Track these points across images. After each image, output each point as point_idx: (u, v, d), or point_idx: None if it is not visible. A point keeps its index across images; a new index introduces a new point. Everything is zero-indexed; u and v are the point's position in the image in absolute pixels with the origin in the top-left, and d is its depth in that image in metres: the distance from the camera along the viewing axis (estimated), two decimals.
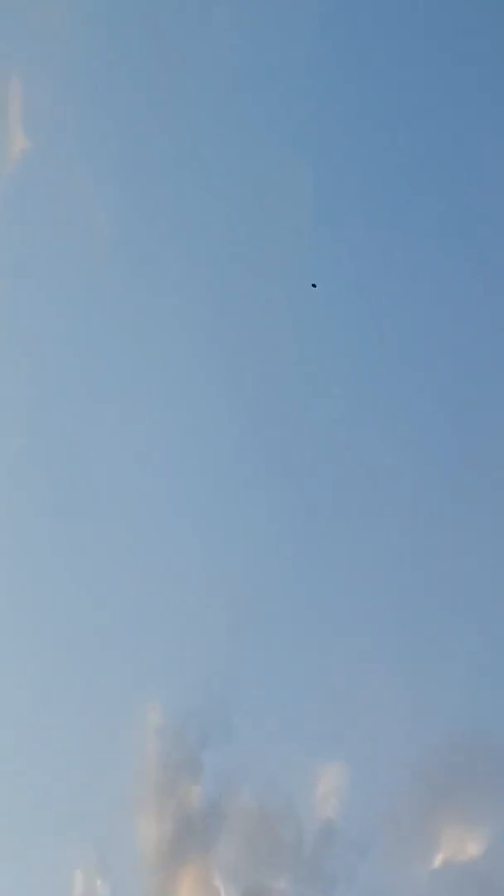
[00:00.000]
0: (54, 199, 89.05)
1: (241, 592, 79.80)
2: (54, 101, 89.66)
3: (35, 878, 75.38)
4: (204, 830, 78.00)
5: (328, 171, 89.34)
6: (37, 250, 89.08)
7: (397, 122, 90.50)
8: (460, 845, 76.53)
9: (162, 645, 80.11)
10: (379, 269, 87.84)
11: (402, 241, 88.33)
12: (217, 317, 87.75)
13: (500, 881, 73.38)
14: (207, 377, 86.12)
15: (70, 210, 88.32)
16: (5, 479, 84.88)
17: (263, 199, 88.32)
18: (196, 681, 78.95)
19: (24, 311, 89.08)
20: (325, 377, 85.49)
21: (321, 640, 78.48)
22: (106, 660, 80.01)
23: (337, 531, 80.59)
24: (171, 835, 77.96)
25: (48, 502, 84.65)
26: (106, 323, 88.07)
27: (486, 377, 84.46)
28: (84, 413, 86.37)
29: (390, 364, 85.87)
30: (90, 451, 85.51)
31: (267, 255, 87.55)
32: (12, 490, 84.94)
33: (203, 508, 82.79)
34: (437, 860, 76.11)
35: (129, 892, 76.67)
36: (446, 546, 78.95)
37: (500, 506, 79.94)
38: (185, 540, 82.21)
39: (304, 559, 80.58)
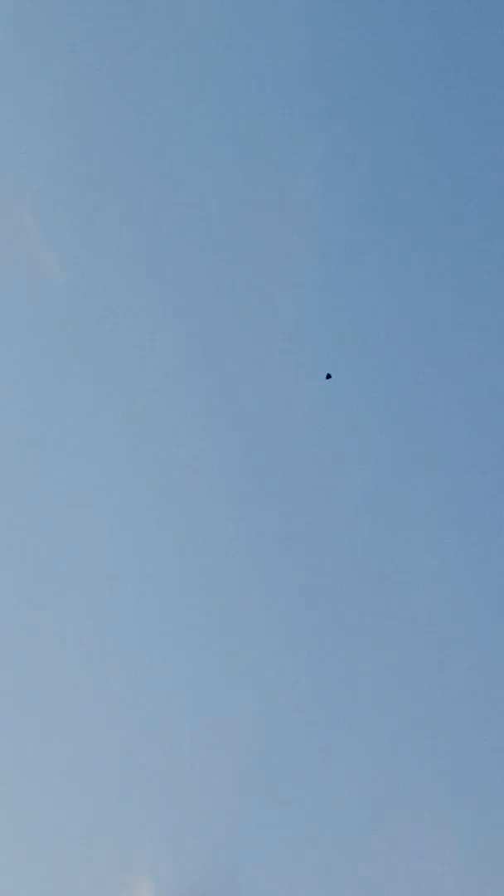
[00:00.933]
0: None
1: (255, 739, 62.55)
2: None
3: None
4: None
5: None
6: None
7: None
8: None
9: (154, 807, 62.78)
10: (402, 299, 70.17)
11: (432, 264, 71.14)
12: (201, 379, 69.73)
13: None
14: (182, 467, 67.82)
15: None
16: None
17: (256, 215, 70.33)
18: (198, 852, 62.00)
19: None
20: (342, 456, 68.27)
21: (359, 805, 61.47)
22: (83, 826, 62.56)
23: (375, 663, 63.15)
24: None
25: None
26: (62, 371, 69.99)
27: None
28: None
29: (426, 434, 68.78)
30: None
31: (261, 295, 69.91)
32: None
33: (198, 637, 65.06)
34: None
35: None
36: None
37: None
38: (182, 675, 64.41)
39: (336, 702, 63.05)
